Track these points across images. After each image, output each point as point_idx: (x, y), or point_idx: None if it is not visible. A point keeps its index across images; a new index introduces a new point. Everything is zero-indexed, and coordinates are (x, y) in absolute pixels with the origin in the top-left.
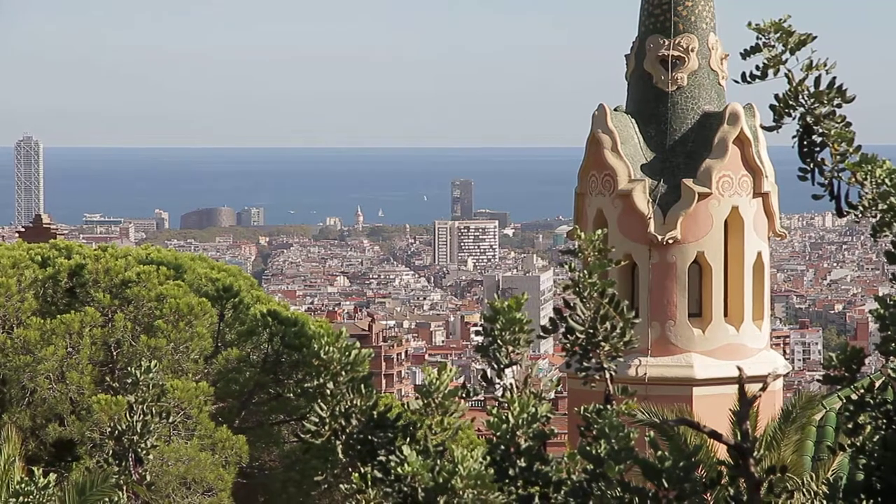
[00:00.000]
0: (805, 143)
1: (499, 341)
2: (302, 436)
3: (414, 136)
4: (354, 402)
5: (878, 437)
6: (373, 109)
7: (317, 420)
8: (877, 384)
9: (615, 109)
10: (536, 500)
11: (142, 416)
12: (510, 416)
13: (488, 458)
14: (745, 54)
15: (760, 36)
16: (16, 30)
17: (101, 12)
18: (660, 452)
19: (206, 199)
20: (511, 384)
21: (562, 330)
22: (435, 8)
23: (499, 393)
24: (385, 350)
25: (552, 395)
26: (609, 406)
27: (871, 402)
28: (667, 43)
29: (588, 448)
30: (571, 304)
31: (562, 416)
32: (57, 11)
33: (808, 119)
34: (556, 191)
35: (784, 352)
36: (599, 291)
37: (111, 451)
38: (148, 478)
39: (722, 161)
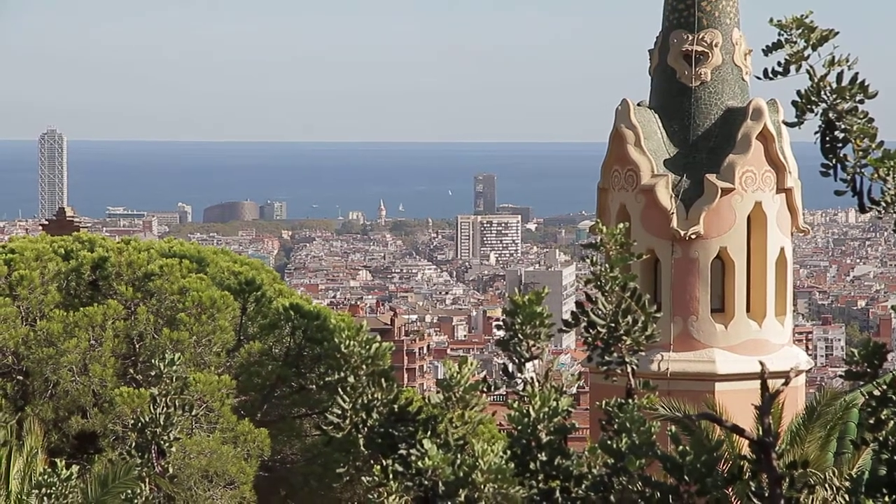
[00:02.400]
0: (827, 138)
1: (519, 335)
2: (324, 428)
3: (437, 130)
4: (375, 395)
5: None
6: (396, 104)
7: (338, 413)
8: None
9: (638, 105)
10: (557, 493)
11: (164, 408)
12: (531, 411)
13: (509, 452)
14: (767, 50)
15: (782, 32)
16: (40, 25)
17: (127, 8)
18: (681, 447)
19: (229, 192)
20: (532, 378)
21: (583, 324)
22: (459, 3)
23: (520, 387)
24: (407, 344)
25: (574, 389)
26: (630, 400)
27: (893, 397)
28: (691, 38)
29: (609, 442)
30: (593, 298)
31: (583, 410)
32: (82, 7)
33: (831, 115)
34: (579, 186)
35: (807, 348)
36: (621, 285)
37: (133, 444)
38: (170, 470)
39: (745, 156)
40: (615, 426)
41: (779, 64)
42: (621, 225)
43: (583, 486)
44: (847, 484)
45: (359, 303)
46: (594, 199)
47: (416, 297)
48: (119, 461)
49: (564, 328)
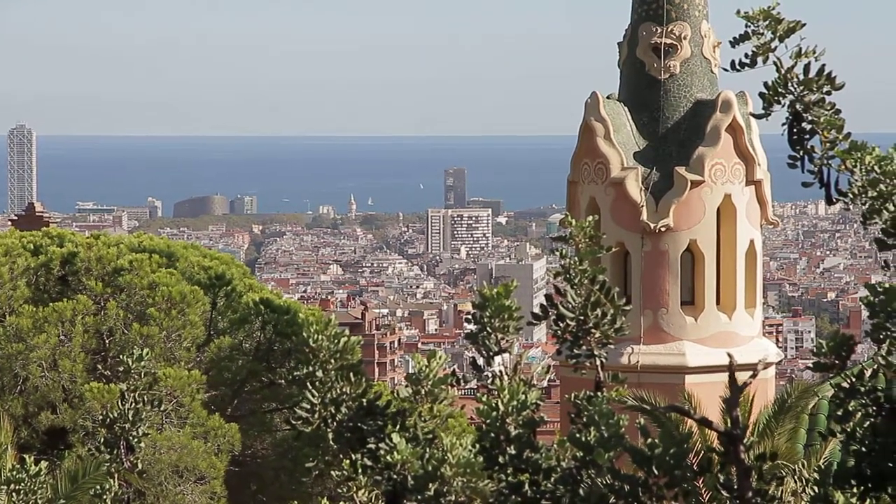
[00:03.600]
0: (794, 130)
1: (488, 329)
2: (293, 422)
3: (407, 124)
4: (344, 389)
5: (868, 423)
6: (366, 98)
7: (307, 408)
8: (867, 372)
9: (608, 97)
10: (526, 487)
11: (134, 404)
12: (500, 404)
13: (478, 445)
14: (735, 42)
15: (749, 24)
16: (8, 15)
17: (96, 1)
18: (650, 439)
19: (199, 187)
20: (500, 372)
21: (552, 317)
22: None
23: (488, 380)
24: (378, 338)
25: (544, 382)
26: (599, 393)
27: (862, 389)
28: (659, 31)
29: (578, 435)
30: (562, 291)
31: (554, 404)
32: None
33: (798, 106)
34: (550, 179)
35: (777, 340)
36: (590, 278)
37: (103, 439)
38: (140, 466)
39: (714, 149)
40: (584, 419)
41: (746, 56)
42: (591, 218)
43: (552, 480)
44: (816, 475)
45: (329, 297)
46: (564, 192)
47: (386, 292)
48: (88, 457)
49: (533, 321)
